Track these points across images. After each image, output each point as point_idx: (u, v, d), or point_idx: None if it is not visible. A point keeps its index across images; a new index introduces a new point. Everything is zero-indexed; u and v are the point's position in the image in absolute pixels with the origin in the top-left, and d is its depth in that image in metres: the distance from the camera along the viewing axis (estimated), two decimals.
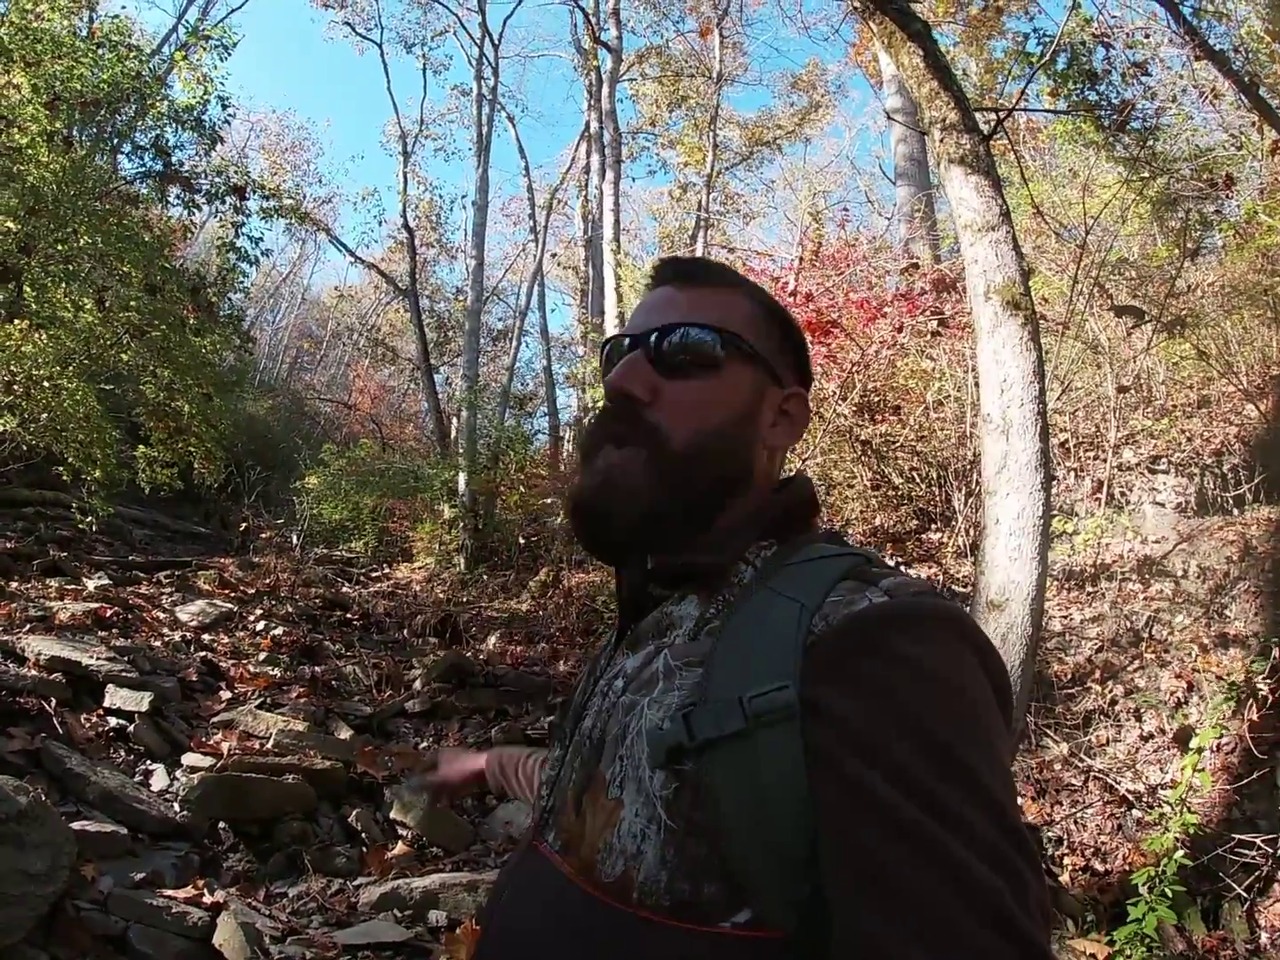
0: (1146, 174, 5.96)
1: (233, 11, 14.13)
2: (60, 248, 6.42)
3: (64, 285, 6.51)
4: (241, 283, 9.34)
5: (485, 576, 9.27)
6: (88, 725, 3.62)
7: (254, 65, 45.34)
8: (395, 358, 20.93)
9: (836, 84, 17.67)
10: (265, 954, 2.46)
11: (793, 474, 0.82)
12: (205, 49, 8.33)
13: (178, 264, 8.58)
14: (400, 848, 3.50)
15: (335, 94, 60.71)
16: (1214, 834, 3.27)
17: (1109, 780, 3.83)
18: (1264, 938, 3.07)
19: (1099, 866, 3.48)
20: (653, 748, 0.61)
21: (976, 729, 0.56)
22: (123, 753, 3.58)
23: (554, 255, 21.61)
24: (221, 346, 8.42)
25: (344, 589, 8.41)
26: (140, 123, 8.13)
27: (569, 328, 21.73)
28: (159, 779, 3.48)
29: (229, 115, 8.99)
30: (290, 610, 6.70)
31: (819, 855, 0.55)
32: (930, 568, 5.57)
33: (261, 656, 5.38)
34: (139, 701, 3.79)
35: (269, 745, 3.91)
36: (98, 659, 3.99)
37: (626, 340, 0.79)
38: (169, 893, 2.64)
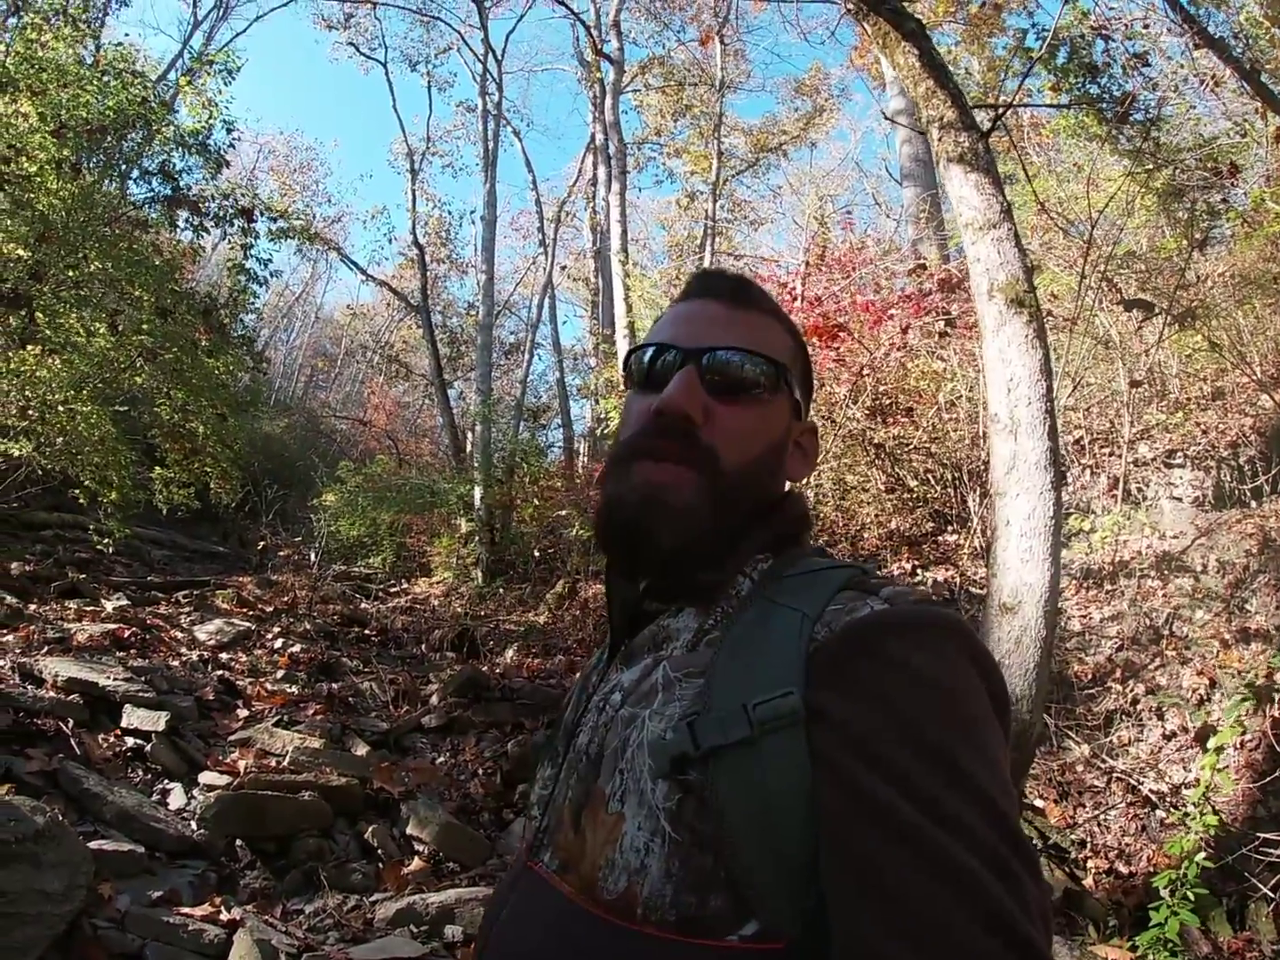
0: (1151, 166, 5.91)
1: (237, 36, 14.44)
2: (71, 273, 6.51)
3: (76, 310, 6.59)
4: (252, 304, 9.45)
5: (502, 589, 9.30)
6: (105, 745, 3.64)
7: (261, 87, 46.25)
8: (409, 374, 21.12)
9: (840, 88, 17.63)
10: None
11: (787, 490, 0.82)
12: (210, 74, 8.47)
13: (188, 287, 8.69)
14: (417, 863, 3.49)
15: (342, 114, 61.57)
16: (1238, 833, 3.20)
17: (1132, 781, 3.77)
18: None
19: (1123, 869, 3.42)
20: (656, 758, 0.61)
21: (975, 735, 0.56)
22: (140, 772, 3.61)
23: (564, 267, 21.70)
24: (235, 367, 8.50)
25: (362, 605, 8.45)
26: (147, 148, 8.28)
27: (581, 339, 21.75)
28: (176, 798, 3.49)
29: (234, 139, 9.14)
30: (308, 627, 6.74)
31: (821, 860, 0.54)
32: (947, 570, 5.53)
33: (279, 674, 5.41)
34: (156, 721, 3.82)
35: (285, 763, 3.91)
36: (115, 679, 4.02)
37: (672, 353, 0.76)
38: (186, 910, 2.65)
